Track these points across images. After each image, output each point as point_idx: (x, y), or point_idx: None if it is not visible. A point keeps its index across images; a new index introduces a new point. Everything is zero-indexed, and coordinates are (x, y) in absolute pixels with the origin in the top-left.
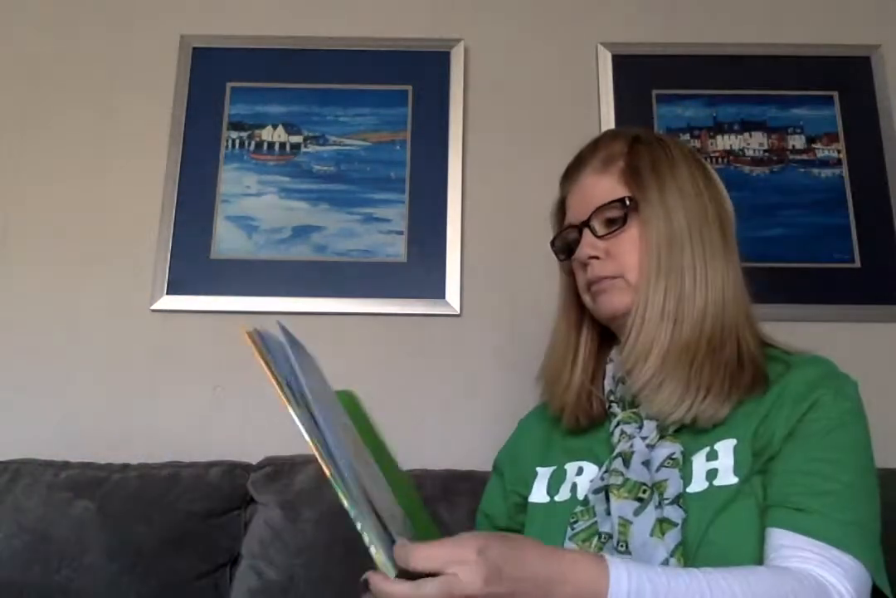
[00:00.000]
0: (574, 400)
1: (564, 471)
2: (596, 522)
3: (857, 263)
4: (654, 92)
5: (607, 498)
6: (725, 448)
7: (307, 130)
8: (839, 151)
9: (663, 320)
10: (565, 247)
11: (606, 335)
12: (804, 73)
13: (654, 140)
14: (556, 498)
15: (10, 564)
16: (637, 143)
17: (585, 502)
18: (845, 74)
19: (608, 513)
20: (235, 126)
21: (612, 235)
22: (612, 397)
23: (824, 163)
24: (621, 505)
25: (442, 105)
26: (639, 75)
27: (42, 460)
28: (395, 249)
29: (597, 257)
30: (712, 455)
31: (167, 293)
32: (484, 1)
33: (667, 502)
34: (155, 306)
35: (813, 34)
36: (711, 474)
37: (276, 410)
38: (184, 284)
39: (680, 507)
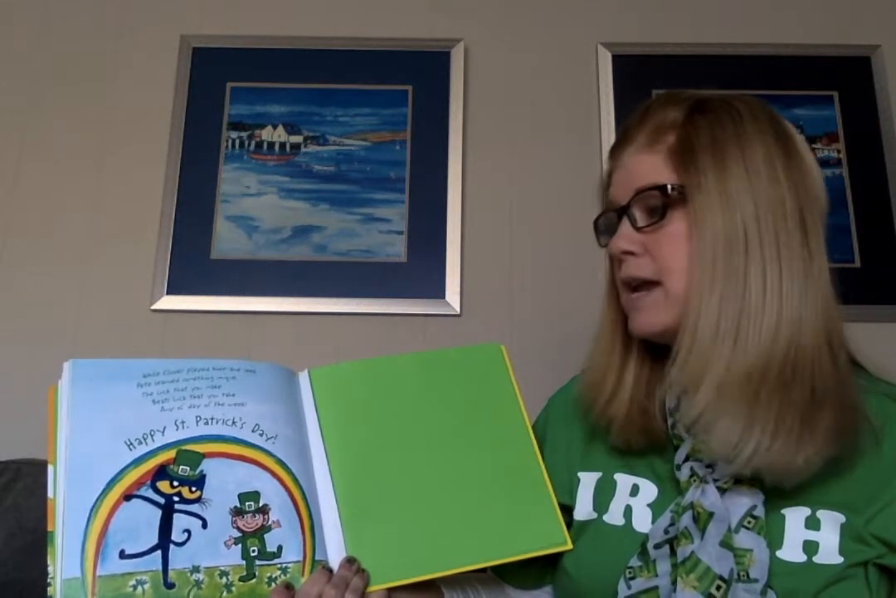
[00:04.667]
0: (623, 416)
1: (614, 483)
2: (657, 587)
3: (858, 263)
4: (654, 92)
5: (671, 551)
6: (832, 522)
7: (307, 130)
8: (839, 151)
9: (718, 339)
10: (608, 230)
11: None
12: (804, 73)
13: (720, 106)
14: (606, 518)
15: (10, 564)
16: (697, 111)
17: (644, 553)
18: (845, 74)
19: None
20: (235, 126)
21: (652, 229)
22: (676, 415)
23: (824, 163)
24: (690, 597)
25: (442, 105)
26: (639, 75)
27: (42, 460)
28: (395, 249)
29: (632, 253)
30: (813, 524)
31: (167, 293)
32: (484, 1)
33: (750, 583)
34: (155, 306)
35: (813, 34)
36: (811, 547)
37: None
38: (184, 285)
39: (771, 589)
